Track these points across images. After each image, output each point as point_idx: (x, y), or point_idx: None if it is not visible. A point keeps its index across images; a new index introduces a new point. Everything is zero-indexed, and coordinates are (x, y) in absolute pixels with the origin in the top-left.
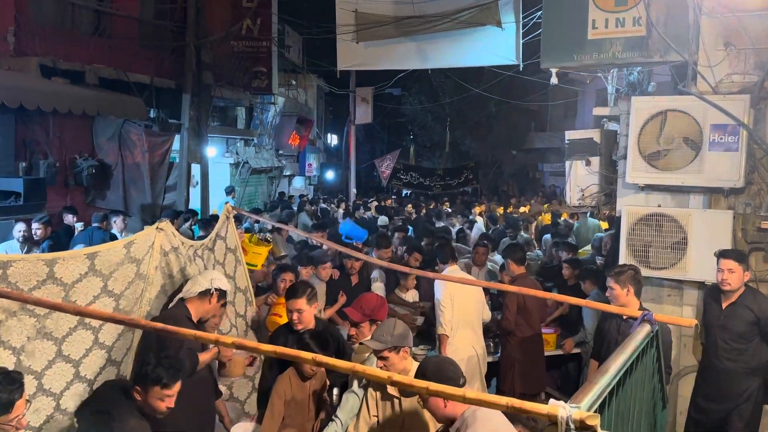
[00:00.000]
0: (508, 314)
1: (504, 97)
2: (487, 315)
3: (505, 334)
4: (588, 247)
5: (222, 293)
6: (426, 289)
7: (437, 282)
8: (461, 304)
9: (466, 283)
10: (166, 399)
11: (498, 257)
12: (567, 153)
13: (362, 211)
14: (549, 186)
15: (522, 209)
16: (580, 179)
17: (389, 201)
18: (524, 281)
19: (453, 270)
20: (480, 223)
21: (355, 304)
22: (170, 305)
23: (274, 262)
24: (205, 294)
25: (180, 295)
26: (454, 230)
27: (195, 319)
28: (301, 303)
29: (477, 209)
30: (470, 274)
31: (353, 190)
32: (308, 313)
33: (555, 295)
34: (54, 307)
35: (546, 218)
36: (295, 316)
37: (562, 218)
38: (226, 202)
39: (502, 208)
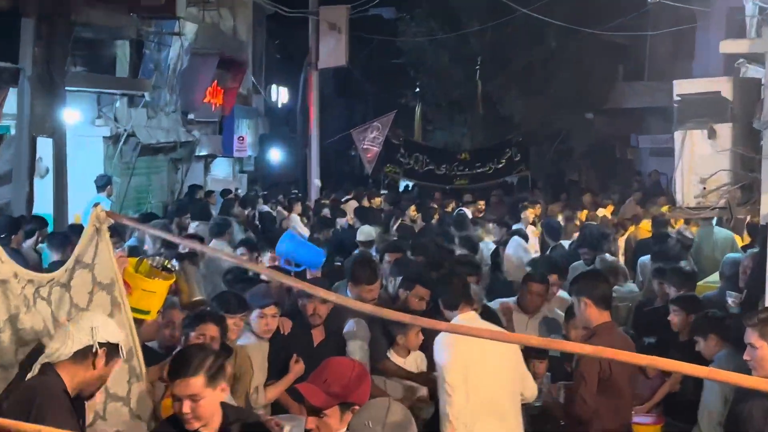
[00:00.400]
0: (584, 392)
1: (572, 22)
2: (531, 391)
3: (575, 425)
4: (714, 277)
5: (113, 348)
6: None
7: (439, 341)
8: (481, 380)
9: (494, 338)
10: None
11: (563, 294)
12: (677, 118)
13: (330, 215)
14: (650, 173)
15: (602, 211)
16: (700, 162)
17: (377, 200)
18: (608, 336)
19: (468, 319)
20: (533, 237)
21: (316, 376)
22: (30, 374)
23: (182, 310)
24: (86, 354)
25: (42, 359)
26: (486, 248)
27: (72, 392)
28: (196, 384)
29: (530, 213)
30: (512, 326)
31: (316, 182)
32: (210, 400)
33: (658, 360)
34: None
35: (644, 228)
36: (186, 406)
37: (673, 228)
38: (96, 204)
39: (565, 210)
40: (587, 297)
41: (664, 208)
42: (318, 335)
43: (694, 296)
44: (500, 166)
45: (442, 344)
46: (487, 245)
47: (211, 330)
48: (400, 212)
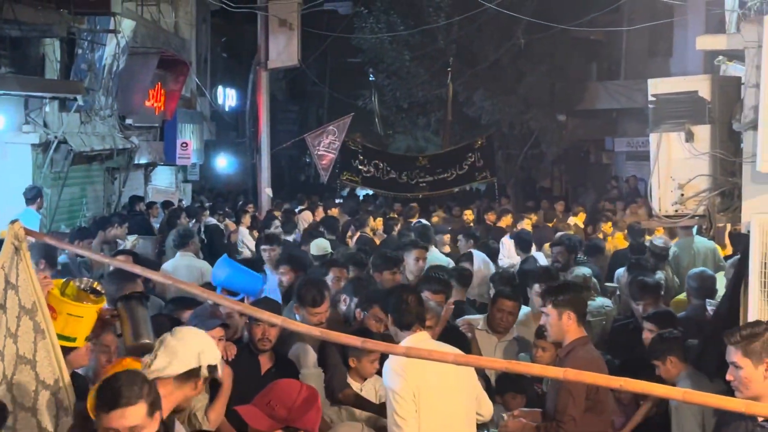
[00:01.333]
0: (572, 410)
1: (543, 17)
2: (488, 410)
3: None
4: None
5: (213, 370)
6: None
7: (388, 367)
8: (435, 409)
9: (455, 362)
10: None
11: (524, 309)
12: (652, 119)
13: (281, 229)
14: (627, 179)
15: (573, 220)
16: (677, 166)
17: (335, 210)
18: (584, 353)
19: (419, 341)
20: (507, 247)
21: (259, 399)
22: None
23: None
24: (190, 376)
25: (143, 371)
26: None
27: (165, 411)
28: (137, 414)
29: (504, 222)
30: (479, 350)
31: (266, 192)
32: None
33: (630, 382)
34: None
35: (617, 239)
36: None
37: (650, 237)
38: (13, 222)
39: (534, 217)
40: (572, 310)
41: (638, 216)
42: (266, 362)
43: (668, 312)
44: (462, 172)
45: (392, 370)
46: (435, 258)
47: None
48: (360, 223)
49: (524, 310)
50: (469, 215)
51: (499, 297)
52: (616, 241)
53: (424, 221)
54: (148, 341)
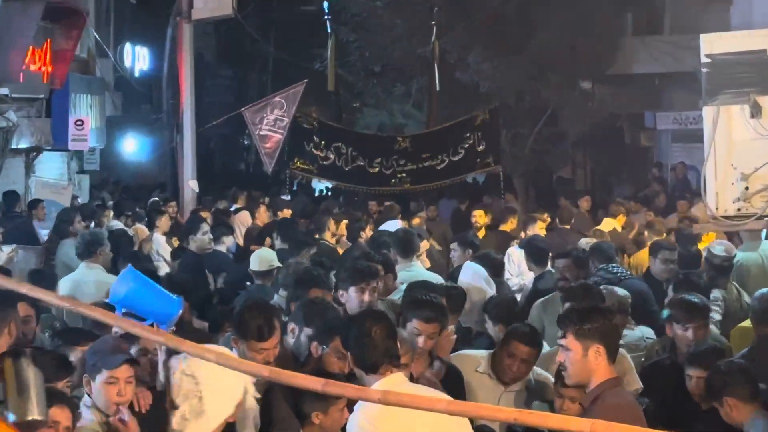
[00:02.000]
0: None
1: None
2: None
3: None
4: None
5: None
6: None
7: (355, 419)
8: None
9: (449, 411)
10: None
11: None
12: (707, 87)
13: (209, 236)
14: (674, 166)
15: (610, 223)
16: (740, 150)
17: (287, 212)
18: (617, 400)
19: (393, 385)
20: (515, 259)
21: None
22: None
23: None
24: None
25: None
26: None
27: None
28: None
29: (508, 226)
30: (478, 396)
31: (190, 185)
32: None
33: None
34: None
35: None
36: None
37: (706, 245)
38: None
39: (548, 218)
40: (601, 343)
41: (688, 215)
42: None
43: (715, 351)
44: (457, 158)
45: (358, 426)
46: (418, 273)
47: (60, 415)
48: (316, 227)
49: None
50: (480, 217)
51: (512, 339)
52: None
53: (401, 224)
54: (38, 418)
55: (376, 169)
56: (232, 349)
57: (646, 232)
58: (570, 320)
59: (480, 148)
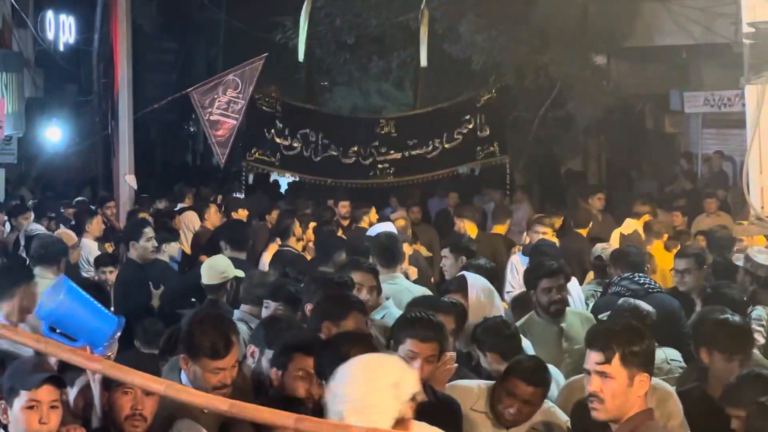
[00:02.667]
0: None
1: None
2: None
3: None
4: None
5: None
6: None
7: None
8: None
9: None
10: None
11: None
12: (750, 62)
13: (153, 242)
14: (707, 158)
15: (632, 224)
16: None
17: (242, 212)
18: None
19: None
20: (518, 269)
21: None
22: None
23: None
24: None
25: None
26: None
27: None
28: None
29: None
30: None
31: (127, 180)
32: None
33: None
34: None
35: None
36: None
37: (746, 251)
38: None
39: (558, 220)
40: (647, 371)
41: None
42: None
43: (760, 378)
44: (453, 145)
45: None
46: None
47: None
48: (280, 231)
49: (556, 375)
50: (467, 227)
51: (512, 376)
52: None
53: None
54: None
55: (352, 159)
56: (180, 372)
57: (644, 235)
58: (616, 341)
59: (483, 134)
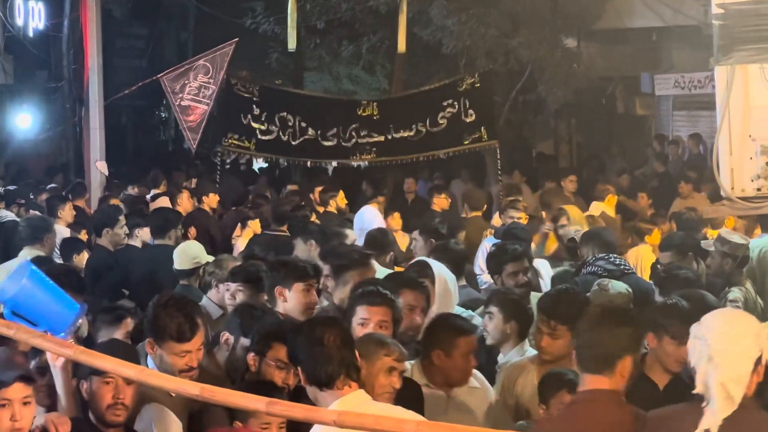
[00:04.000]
0: None
1: None
2: None
3: None
4: None
5: None
6: None
7: None
8: None
9: None
10: None
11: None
12: (720, 43)
13: (125, 229)
14: (672, 140)
15: (598, 207)
16: (760, 118)
17: (213, 197)
18: (578, 413)
19: (354, 404)
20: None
21: None
22: None
23: None
24: None
25: None
26: None
27: None
28: None
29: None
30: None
31: (98, 167)
32: None
33: None
34: None
35: (654, 238)
36: None
37: (717, 232)
38: None
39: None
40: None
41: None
42: None
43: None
44: (438, 129)
45: None
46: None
47: None
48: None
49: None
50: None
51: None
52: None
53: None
54: None
55: (332, 142)
56: (146, 356)
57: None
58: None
59: (468, 120)
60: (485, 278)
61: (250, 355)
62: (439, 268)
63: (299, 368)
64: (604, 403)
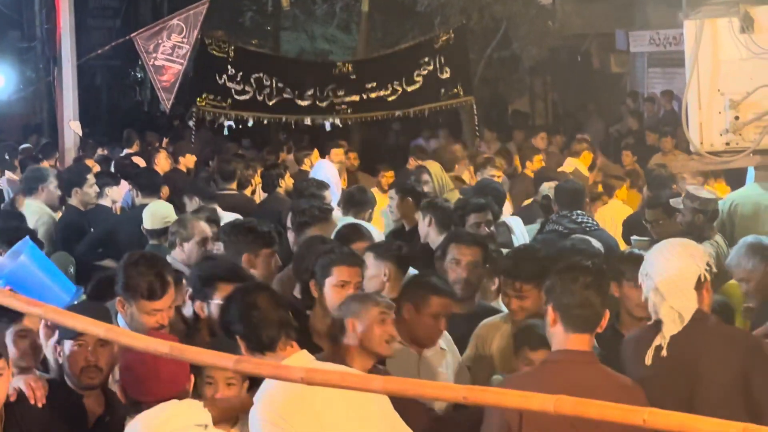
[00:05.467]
0: None
1: None
2: None
3: None
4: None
5: None
6: None
7: (260, 411)
8: None
9: (374, 389)
10: None
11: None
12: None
13: (95, 188)
14: (648, 96)
15: (571, 163)
16: (728, 72)
17: (190, 157)
18: (556, 373)
19: (300, 363)
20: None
21: None
22: None
23: None
24: None
25: None
26: None
27: None
28: None
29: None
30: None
31: (72, 127)
32: None
33: (657, 415)
34: None
35: (623, 194)
36: None
37: (688, 187)
38: None
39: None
40: (552, 305)
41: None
42: (94, 405)
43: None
44: (414, 87)
45: (267, 421)
46: None
47: None
48: (224, 175)
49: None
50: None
51: (422, 292)
52: (629, 197)
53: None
54: None
55: (308, 102)
56: (117, 314)
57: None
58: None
59: (444, 76)
60: None
61: (197, 304)
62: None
63: (238, 338)
64: (584, 364)
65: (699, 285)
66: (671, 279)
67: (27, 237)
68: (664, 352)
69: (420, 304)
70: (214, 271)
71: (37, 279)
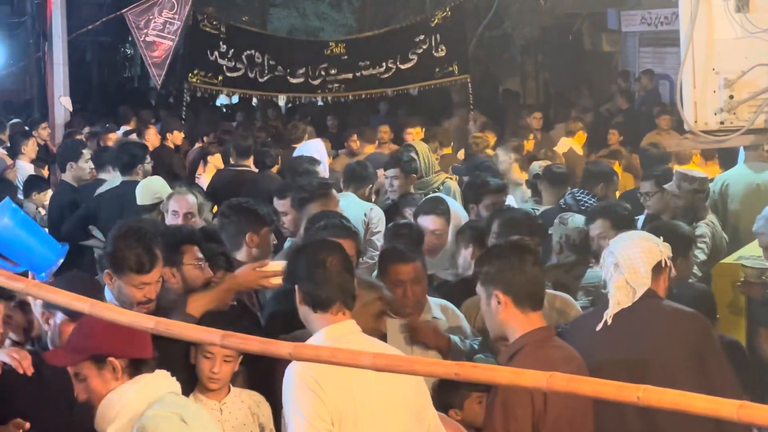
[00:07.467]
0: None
1: None
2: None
3: None
4: (753, 248)
5: None
6: None
7: (295, 374)
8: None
9: (363, 365)
10: None
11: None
12: None
13: (90, 164)
14: (637, 77)
15: (566, 143)
16: (723, 51)
17: (176, 135)
18: (542, 352)
19: (342, 333)
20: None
21: None
22: None
23: None
24: None
25: None
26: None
27: None
28: None
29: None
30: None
31: (62, 102)
32: None
33: (651, 391)
34: None
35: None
36: None
37: (679, 167)
38: None
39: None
40: (501, 289)
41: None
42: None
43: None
44: (408, 65)
45: (302, 383)
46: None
47: None
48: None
49: None
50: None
51: (391, 260)
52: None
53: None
54: None
55: (301, 80)
56: (104, 287)
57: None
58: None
59: (439, 54)
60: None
61: (166, 271)
62: (452, 203)
63: (296, 287)
64: (553, 339)
65: (658, 269)
66: (632, 255)
67: (7, 198)
68: (609, 320)
69: (388, 276)
70: (175, 238)
71: (21, 240)
